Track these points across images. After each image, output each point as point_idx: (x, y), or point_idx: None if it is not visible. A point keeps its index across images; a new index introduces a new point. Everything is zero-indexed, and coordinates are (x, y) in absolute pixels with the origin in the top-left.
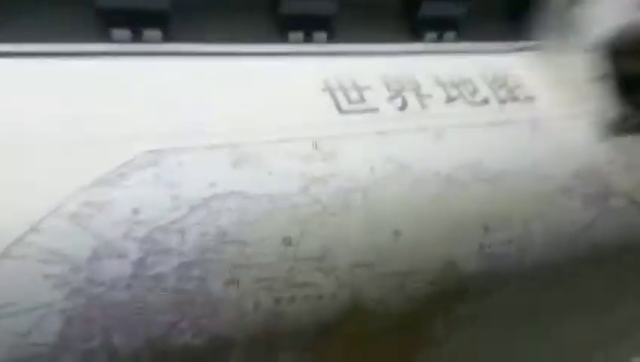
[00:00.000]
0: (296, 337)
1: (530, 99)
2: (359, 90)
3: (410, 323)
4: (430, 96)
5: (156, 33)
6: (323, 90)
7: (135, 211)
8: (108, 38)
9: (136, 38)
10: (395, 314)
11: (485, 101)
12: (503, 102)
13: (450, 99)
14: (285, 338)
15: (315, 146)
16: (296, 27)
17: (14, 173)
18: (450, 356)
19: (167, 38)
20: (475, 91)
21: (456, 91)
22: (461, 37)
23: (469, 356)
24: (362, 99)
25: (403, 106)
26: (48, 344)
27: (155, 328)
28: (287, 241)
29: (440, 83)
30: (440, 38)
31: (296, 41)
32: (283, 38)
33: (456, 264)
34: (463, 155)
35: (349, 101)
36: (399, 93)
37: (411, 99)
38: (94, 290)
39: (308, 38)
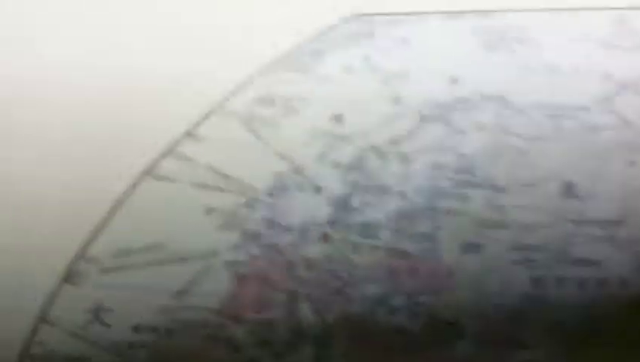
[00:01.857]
0: (553, 333)
1: None
2: None
3: None
4: None
5: None
6: None
7: (337, 118)
8: None
9: None
10: None
11: None
12: None
13: None
14: (537, 333)
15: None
16: None
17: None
18: None
19: None
20: None
21: None
22: None
23: None
24: None
25: None
26: (208, 309)
27: (357, 302)
28: (570, 190)
29: None
30: None
31: None
32: None
33: None
34: None
35: None
36: None
37: None
38: (275, 238)
39: None
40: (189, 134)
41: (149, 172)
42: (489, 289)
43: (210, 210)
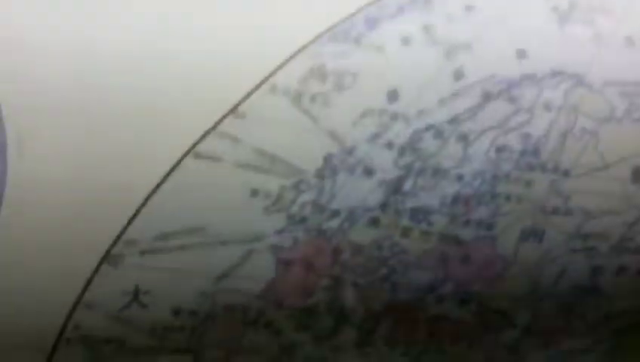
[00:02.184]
0: (604, 322)
1: None
2: None
3: None
4: None
5: None
6: None
7: (391, 95)
8: None
9: None
10: None
11: None
12: None
13: None
14: (589, 323)
15: None
16: None
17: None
18: None
19: None
20: None
21: None
22: None
23: None
24: None
25: None
26: (249, 294)
27: (405, 289)
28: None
29: None
30: None
31: None
32: None
33: None
34: None
35: None
36: None
37: None
38: (322, 223)
39: None
40: (234, 112)
41: (191, 151)
42: (545, 279)
43: (254, 192)
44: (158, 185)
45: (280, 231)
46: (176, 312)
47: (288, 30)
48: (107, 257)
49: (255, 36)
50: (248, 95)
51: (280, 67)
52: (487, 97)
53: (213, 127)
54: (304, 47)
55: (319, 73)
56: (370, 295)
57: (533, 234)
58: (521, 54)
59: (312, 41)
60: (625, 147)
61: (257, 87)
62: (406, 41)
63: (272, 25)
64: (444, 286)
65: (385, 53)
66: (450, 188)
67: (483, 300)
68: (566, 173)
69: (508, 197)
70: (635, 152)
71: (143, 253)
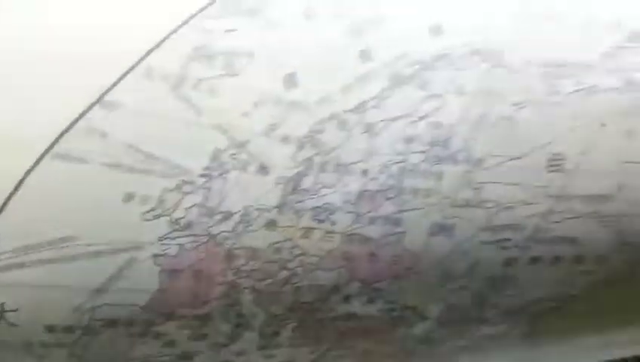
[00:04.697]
0: (519, 310)
1: None
2: None
3: None
4: None
5: None
6: None
7: (289, 80)
8: None
9: None
10: None
11: None
12: None
13: None
14: (503, 311)
15: None
16: None
17: None
18: None
19: None
20: None
21: None
22: None
23: None
24: None
25: None
26: (133, 306)
27: (308, 291)
28: (557, 164)
29: None
30: None
31: None
32: None
33: None
34: None
35: None
36: None
37: None
38: (212, 227)
39: None
40: (100, 101)
41: (50, 151)
42: (456, 272)
43: (129, 196)
44: (13, 191)
45: (163, 238)
46: (50, 329)
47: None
48: None
49: (125, 7)
50: (118, 81)
51: (156, 46)
52: (396, 81)
53: (76, 121)
54: (186, 21)
55: (205, 54)
56: (271, 299)
57: (443, 229)
58: (436, 30)
59: (196, 14)
60: (542, 134)
61: (129, 71)
62: (308, 13)
63: None
64: (349, 285)
65: (284, 30)
66: (354, 184)
67: (392, 296)
68: (478, 164)
69: (416, 192)
70: (553, 139)
71: (4, 268)
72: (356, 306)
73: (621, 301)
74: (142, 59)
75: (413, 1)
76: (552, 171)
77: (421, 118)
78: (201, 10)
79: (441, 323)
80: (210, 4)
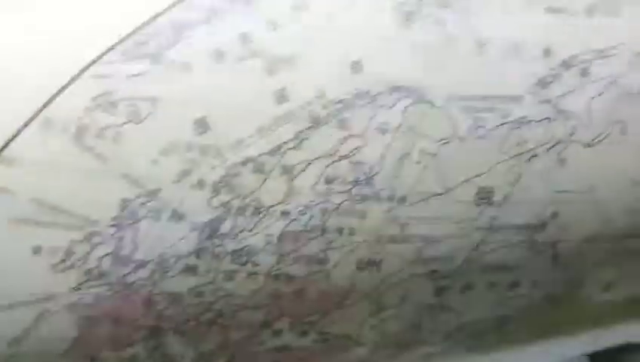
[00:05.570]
0: (455, 332)
1: None
2: None
3: None
4: None
5: None
6: None
7: (200, 124)
8: None
9: None
10: None
11: None
12: None
13: None
14: (439, 334)
15: None
16: None
17: None
18: None
19: None
20: None
21: None
22: None
23: None
24: None
25: None
26: (53, 354)
27: (236, 328)
28: (486, 197)
29: None
30: None
31: None
32: None
33: None
34: None
35: None
36: None
37: None
38: (127, 275)
39: None
40: (0, 158)
41: None
42: (388, 303)
43: (37, 249)
44: None
45: (76, 289)
46: None
47: (65, 44)
48: None
49: (18, 55)
50: (16, 135)
51: (55, 96)
52: (315, 122)
53: None
54: (86, 68)
55: (107, 101)
56: (198, 338)
57: (370, 264)
58: (356, 67)
59: (97, 59)
60: (468, 168)
61: (27, 124)
62: (219, 55)
63: (41, 37)
64: (279, 321)
65: (192, 73)
66: (275, 226)
67: (324, 328)
68: (402, 201)
69: (340, 231)
70: (479, 172)
71: None
72: (288, 339)
73: (559, 316)
74: (39, 111)
75: (329, 38)
76: (481, 204)
77: (342, 158)
78: (101, 55)
79: (378, 347)
80: (110, 49)
